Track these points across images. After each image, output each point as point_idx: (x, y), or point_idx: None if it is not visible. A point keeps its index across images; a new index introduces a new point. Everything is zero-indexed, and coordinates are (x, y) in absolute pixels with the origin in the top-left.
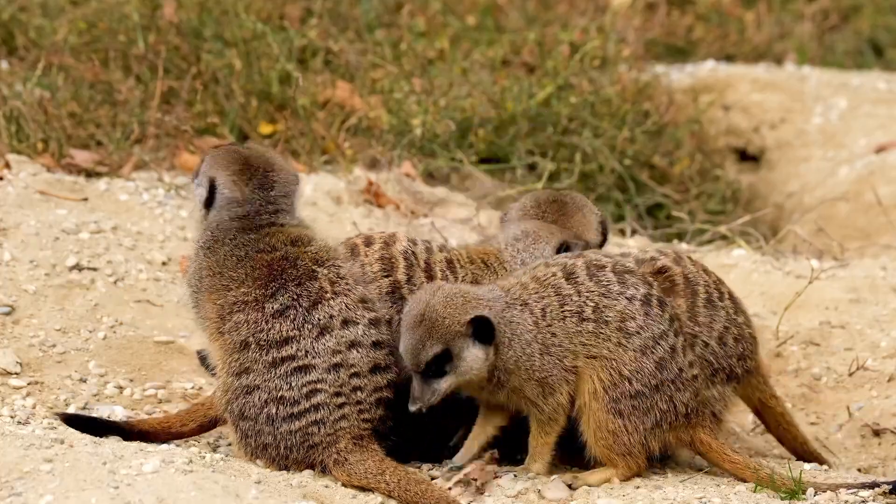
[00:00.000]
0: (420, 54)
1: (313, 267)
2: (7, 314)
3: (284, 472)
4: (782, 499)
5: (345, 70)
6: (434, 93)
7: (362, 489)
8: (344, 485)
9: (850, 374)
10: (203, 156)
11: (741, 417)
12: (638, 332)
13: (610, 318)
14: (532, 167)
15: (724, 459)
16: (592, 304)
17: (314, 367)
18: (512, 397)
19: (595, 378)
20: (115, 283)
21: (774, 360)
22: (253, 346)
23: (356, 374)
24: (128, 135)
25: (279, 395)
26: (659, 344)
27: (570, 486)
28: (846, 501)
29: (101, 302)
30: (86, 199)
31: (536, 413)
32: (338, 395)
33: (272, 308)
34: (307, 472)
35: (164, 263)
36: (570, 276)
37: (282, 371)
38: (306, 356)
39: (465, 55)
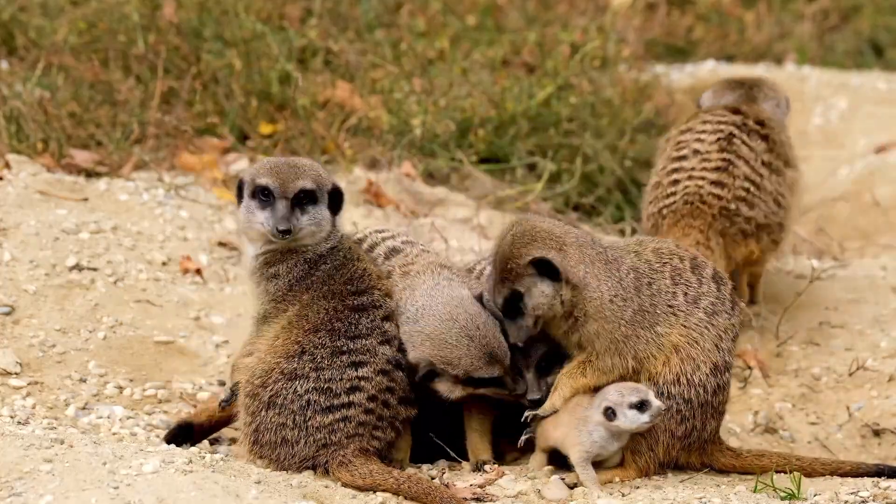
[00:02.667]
0: (420, 54)
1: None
2: (7, 314)
3: (284, 472)
4: (782, 499)
5: (345, 70)
6: (434, 93)
7: (365, 490)
8: (346, 485)
9: (850, 374)
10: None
11: (741, 417)
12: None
13: (714, 324)
14: (532, 167)
15: (755, 469)
16: (707, 301)
17: (367, 365)
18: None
19: (667, 369)
20: (115, 283)
21: (774, 360)
22: (323, 332)
23: (392, 391)
24: (128, 135)
25: (326, 386)
26: (726, 373)
27: (576, 485)
28: (846, 501)
29: (101, 302)
30: (86, 199)
31: (592, 357)
32: (373, 399)
33: (353, 302)
34: (307, 473)
35: (164, 263)
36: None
37: (341, 361)
38: (366, 353)
39: (465, 55)
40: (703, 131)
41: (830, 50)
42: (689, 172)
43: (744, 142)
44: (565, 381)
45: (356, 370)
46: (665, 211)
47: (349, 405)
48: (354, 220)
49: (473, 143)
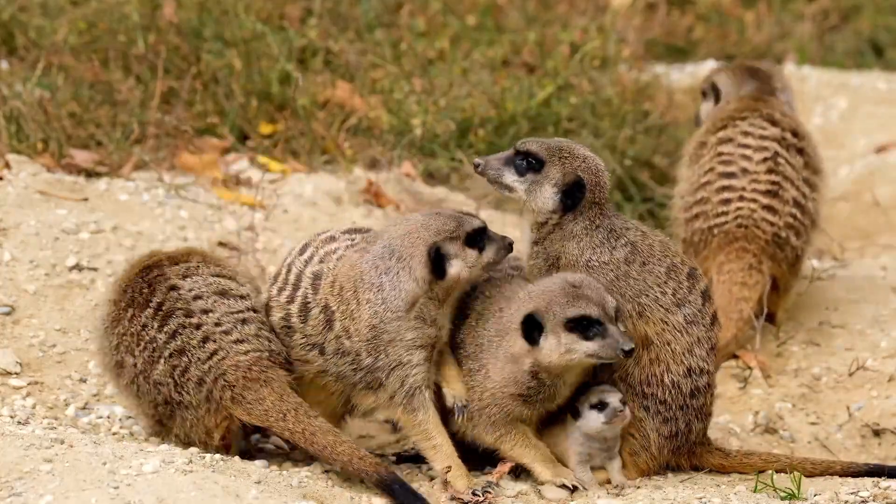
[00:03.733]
0: (420, 54)
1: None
2: (7, 314)
3: (284, 471)
4: (782, 499)
5: (345, 70)
6: (434, 93)
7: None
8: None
9: (850, 374)
10: None
11: (741, 417)
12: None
13: (690, 332)
14: None
15: (744, 468)
16: (690, 310)
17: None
18: None
19: (638, 369)
20: None
21: (775, 360)
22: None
23: (199, 297)
24: (128, 135)
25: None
26: (703, 376)
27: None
28: (846, 501)
29: (101, 302)
30: (86, 199)
31: None
32: (198, 327)
33: (119, 289)
34: (306, 472)
35: None
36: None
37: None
38: (174, 301)
39: (465, 55)
40: (748, 146)
41: (830, 50)
42: (741, 193)
43: (787, 161)
44: None
45: (171, 321)
46: (716, 230)
47: (174, 334)
48: (354, 220)
49: (473, 143)
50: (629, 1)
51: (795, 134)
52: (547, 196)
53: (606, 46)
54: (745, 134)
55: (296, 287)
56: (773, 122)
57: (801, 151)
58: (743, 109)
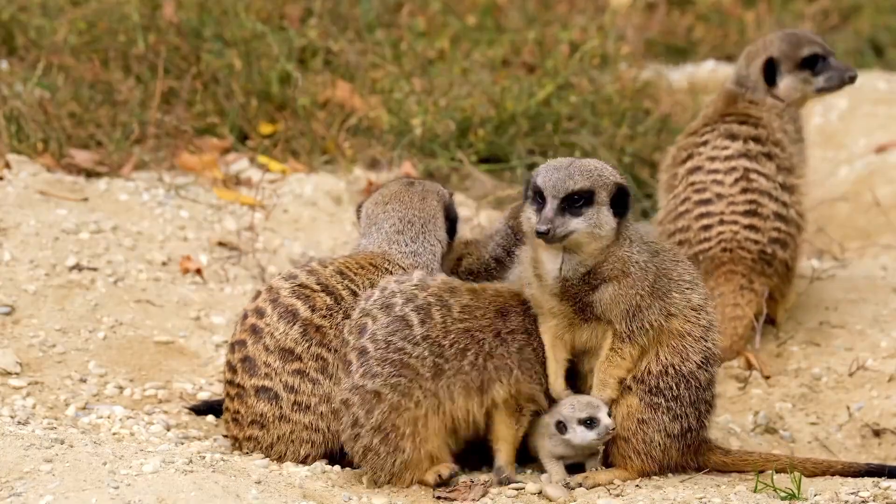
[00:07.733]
0: (420, 54)
1: None
2: (7, 314)
3: (284, 471)
4: (782, 499)
5: (345, 70)
6: (434, 93)
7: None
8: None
9: (850, 374)
10: None
11: (741, 417)
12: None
13: (700, 316)
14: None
15: (745, 465)
16: (697, 299)
17: None
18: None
19: (656, 360)
20: (115, 283)
21: (775, 360)
22: None
23: None
24: (128, 135)
25: None
26: (715, 365)
27: (579, 485)
28: (846, 501)
29: (101, 302)
30: (86, 199)
31: (618, 338)
32: None
33: None
34: (306, 472)
35: (164, 263)
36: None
37: None
38: None
39: (465, 55)
40: (717, 171)
41: None
42: (720, 217)
43: (759, 173)
44: (611, 371)
45: None
46: (701, 257)
47: None
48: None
49: (473, 143)
50: (629, 0)
51: (757, 140)
52: (605, 218)
53: (606, 46)
54: (711, 159)
55: (327, 288)
56: (733, 137)
57: (769, 156)
58: (701, 129)
